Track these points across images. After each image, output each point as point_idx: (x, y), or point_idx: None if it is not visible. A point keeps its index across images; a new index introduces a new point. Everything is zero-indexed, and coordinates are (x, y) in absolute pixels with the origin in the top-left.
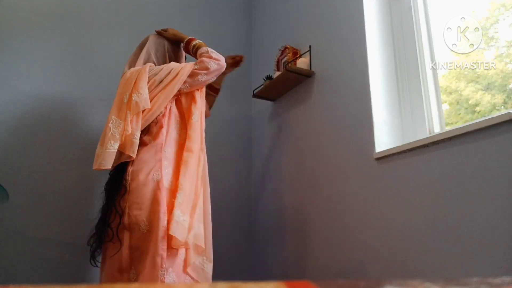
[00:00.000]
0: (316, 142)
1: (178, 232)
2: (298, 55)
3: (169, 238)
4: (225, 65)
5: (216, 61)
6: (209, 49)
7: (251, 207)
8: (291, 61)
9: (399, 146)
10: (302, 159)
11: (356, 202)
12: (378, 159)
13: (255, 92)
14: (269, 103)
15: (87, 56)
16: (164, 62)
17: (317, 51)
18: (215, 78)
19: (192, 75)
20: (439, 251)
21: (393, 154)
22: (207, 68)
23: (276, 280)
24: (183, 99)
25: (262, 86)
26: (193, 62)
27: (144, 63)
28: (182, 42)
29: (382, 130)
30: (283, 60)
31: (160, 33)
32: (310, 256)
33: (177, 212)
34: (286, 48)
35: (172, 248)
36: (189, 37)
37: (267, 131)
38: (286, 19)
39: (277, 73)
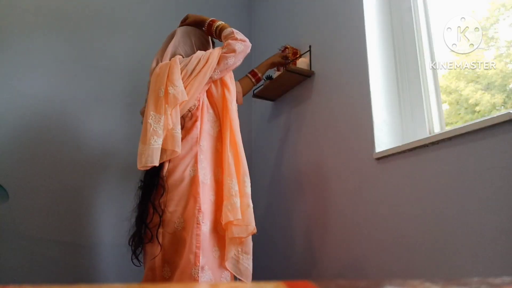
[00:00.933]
0: (316, 142)
1: (253, 220)
2: (298, 55)
3: (229, 228)
4: (250, 45)
5: (242, 42)
6: (234, 30)
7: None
8: (291, 61)
9: (399, 146)
10: (302, 159)
11: (356, 202)
12: (378, 159)
13: (255, 92)
14: (269, 103)
15: (87, 57)
16: (192, 53)
17: (317, 51)
18: (241, 60)
19: (221, 59)
20: (439, 251)
21: (393, 154)
22: (234, 50)
23: (276, 280)
24: (213, 89)
25: (262, 86)
26: (220, 47)
27: (171, 57)
28: (204, 25)
29: (382, 130)
30: None
31: (182, 23)
32: (310, 256)
33: (250, 202)
34: (286, 48)
35: (212, 243)
36: (211, 19)
37: (267, 131)
38: (286, 19)
39: (277, 73)
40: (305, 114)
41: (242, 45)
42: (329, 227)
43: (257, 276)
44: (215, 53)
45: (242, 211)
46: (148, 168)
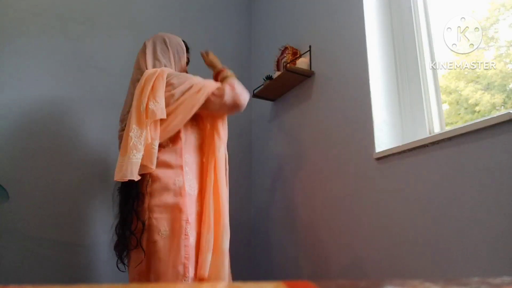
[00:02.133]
0: (316, 142)
1: (226, 277)
2: (298, 55)
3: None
4: (243, 104)
5: (235, 95)
6: (237, 81)
7: (251, 207)
8: (291, 61)
9: (399, 146)
10: (302, 159)
11: (356, 202)
12: (378, 159)
13: (255, 92)
14: (269, 103)
15: (87, 57)
16: (169, 59)
17: (317, 51)
18: (225, 113)
19: (207, 101)
20: (439, 251)
21: (393, 154)
22: (222, 95)
23: (276, 280)
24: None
25: (262, 86)
26: (218, 83)
27: (153, 64)
28: (214, 69)
29: (382, 130)
30: (283, 60)
31: (202, 55)
32: (310, 256)
33: (225, 260)
34: (286, 48)
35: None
36: (222, 67)
37: (267, 131)
38: (286, 19)
39: (277, 73)
40: (305, 114)
41: (231, 98)
42: (329, 227)
43: (257, 276)
44: (210, 87)
45: (215, 267)
46: (125, 181)
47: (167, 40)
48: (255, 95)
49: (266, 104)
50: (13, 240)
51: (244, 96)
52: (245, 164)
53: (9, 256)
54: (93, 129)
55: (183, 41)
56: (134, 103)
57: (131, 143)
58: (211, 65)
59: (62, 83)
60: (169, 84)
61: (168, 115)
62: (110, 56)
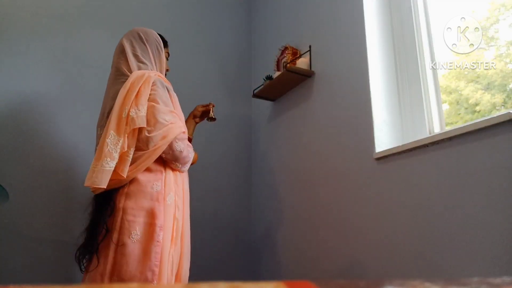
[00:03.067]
0: (316, 142)
1: None
2: (298, 55)
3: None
4: (187, 162)
5: (182, 159)
6: (185, 150)
7: (251, 207)
8: (291, 61)
9: (399, 146)
10: (302, 159)
11: (356, 202)
12: (378, 159)
13: (255, 92)
14: (269, 103)
15: (88, 57)
16: (149, 58)
17: (317, 51)
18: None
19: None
20: (439, 251)
21: (393, 154)
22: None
23: (276, 279)
24: None
25: (262, 86)
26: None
27: (138, 68)
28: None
29: (382, 130)
30: (283, 60)
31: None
32: (310, 256)
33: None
34: (286, 48)
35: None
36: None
37: (267, 131)
38: (286, 19)
39: (277, 73)
40: (305, 114)
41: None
42: (329, 226)
43: (257, 276)
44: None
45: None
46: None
47: (144, 37)
48: (255, 95)
49: (266, 104)
50: (13, 240)
51: (181, 156)
52: (245, 164)
53: (9, 256)
54: (92, 129)
55: (160, 35)
56: (116, 107)
57: (106, 150)
58: (195, 119)
59: (62, 83)
60: (152, 99)
61: (140, 156)
62: (105, 55)
